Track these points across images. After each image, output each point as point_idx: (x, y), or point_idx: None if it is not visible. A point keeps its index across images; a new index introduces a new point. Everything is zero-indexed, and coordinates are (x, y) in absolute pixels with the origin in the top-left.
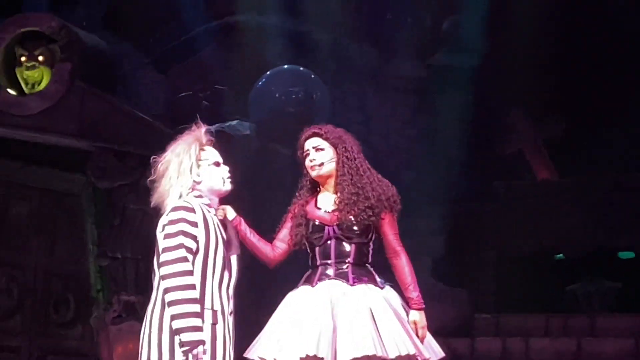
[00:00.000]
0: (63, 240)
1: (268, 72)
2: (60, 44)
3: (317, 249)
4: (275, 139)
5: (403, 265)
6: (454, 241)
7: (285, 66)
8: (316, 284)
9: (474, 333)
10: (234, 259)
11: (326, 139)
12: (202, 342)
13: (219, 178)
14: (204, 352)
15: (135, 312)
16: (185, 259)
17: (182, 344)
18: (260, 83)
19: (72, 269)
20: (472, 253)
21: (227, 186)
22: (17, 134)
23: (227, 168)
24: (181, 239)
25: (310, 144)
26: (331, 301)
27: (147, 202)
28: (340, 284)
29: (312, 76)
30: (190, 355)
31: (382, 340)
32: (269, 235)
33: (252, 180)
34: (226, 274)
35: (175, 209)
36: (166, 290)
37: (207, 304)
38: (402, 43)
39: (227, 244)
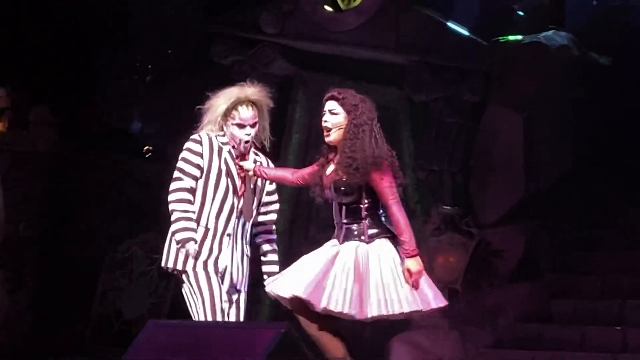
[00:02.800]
0: None
1: None
2: None
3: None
4: (593, 49)
5: (392, 216)
6: None
7: None
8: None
9: None
10: (249, 194)
11: (342, 105)
12: (192, 240)
13: (237, 138)
14: (195, 249)
15: (454, 224)
16: (180, 179)
17: (176, 242)
18: None
19: None
20: None
21: (241, 147)
22: (334, 49)
23: (249, 131)
24: (182, 164)
25: (327, 106)
26: (327, 258)
27: (462, 115)
28: (334, 243)
29: None
30: (183, 250)
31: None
32: None
33: (566, 92)
34: (229, 201)
35: (188, 140)
36: (168, 203)
37: (202, 222)
38: None
39: (242, 181)
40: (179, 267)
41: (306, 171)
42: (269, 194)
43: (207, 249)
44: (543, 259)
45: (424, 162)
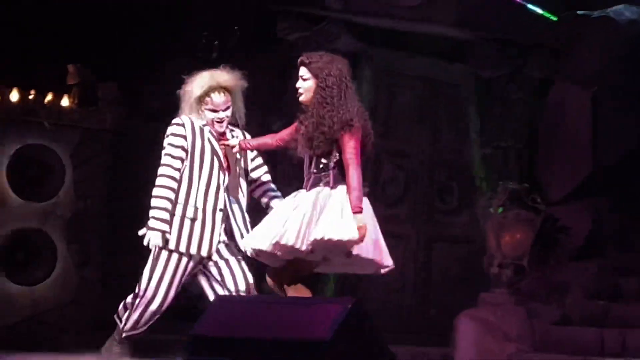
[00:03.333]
0: (446, 129)
1: None
2: None
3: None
4: None
5: (347, 174)
6: None
7: None
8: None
9: None
10: (233, 170)
11: (309, 70)
12: (161, 232)
13: (211, 121)
14: (163, 237)
15: (520, 201)
16: (168, 165)
17: (147, 226)
18: None
19: (455, 158)
20: None
21: (218, 128)
22: (400, 24)
23: (222, 114)
24: (168, 149)
25: (299, 72)
26: (293, 205)
27: (528, 91)
28: (302, 191)
29: None
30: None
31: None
32: None
33: (635, 67)
34: (216, 178)
35: (170, 124)
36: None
37: (191, 202)
38: None
39: (226, 158)
40: (170, 247)
41: (285, 132)
42: (253, 159)
43: (199, 229)
44: (610, 236)
45: (489, 139)
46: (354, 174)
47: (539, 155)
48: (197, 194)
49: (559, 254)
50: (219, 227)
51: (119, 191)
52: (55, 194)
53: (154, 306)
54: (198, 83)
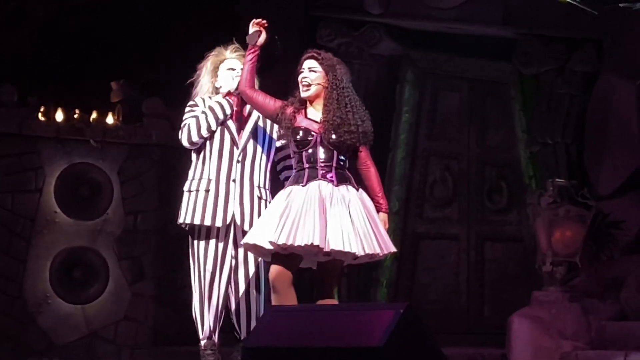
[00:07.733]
0: (493, 129)
1: None
2: None
3: (303, 153)
4: None
5: (373, 175)
6: None
7: None
8: (306, 183)
9: None
10: (245, 136)
11: (321, 64)
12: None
13: (231, 78)
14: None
15: (570, 197)
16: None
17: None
18: None
19: (503, 157)
20: None
21: (234, 85)
22: (441, 26)
23: (238, 72)
24: (187, 121)
25: (306, 64)
26: (321, 197)
27: (574, 86)
28: (326, 184)
29: None
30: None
31: (360, 240)
32: None
33: None
34: (227, 149)
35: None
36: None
37: (205, 175)
38: None
39: (237, 127)
40: (186, 221)
41: (261, 97)
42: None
43: (212, 199)
44: None
45: (536, 136)
46: (377, 174)
47: (587, 150)
48: (209, 167)
49: (612, 249)
50: (234, 198)
51: (168, 205)
52: (105, 212)
53: (213, 300)
54: (214, 55)
